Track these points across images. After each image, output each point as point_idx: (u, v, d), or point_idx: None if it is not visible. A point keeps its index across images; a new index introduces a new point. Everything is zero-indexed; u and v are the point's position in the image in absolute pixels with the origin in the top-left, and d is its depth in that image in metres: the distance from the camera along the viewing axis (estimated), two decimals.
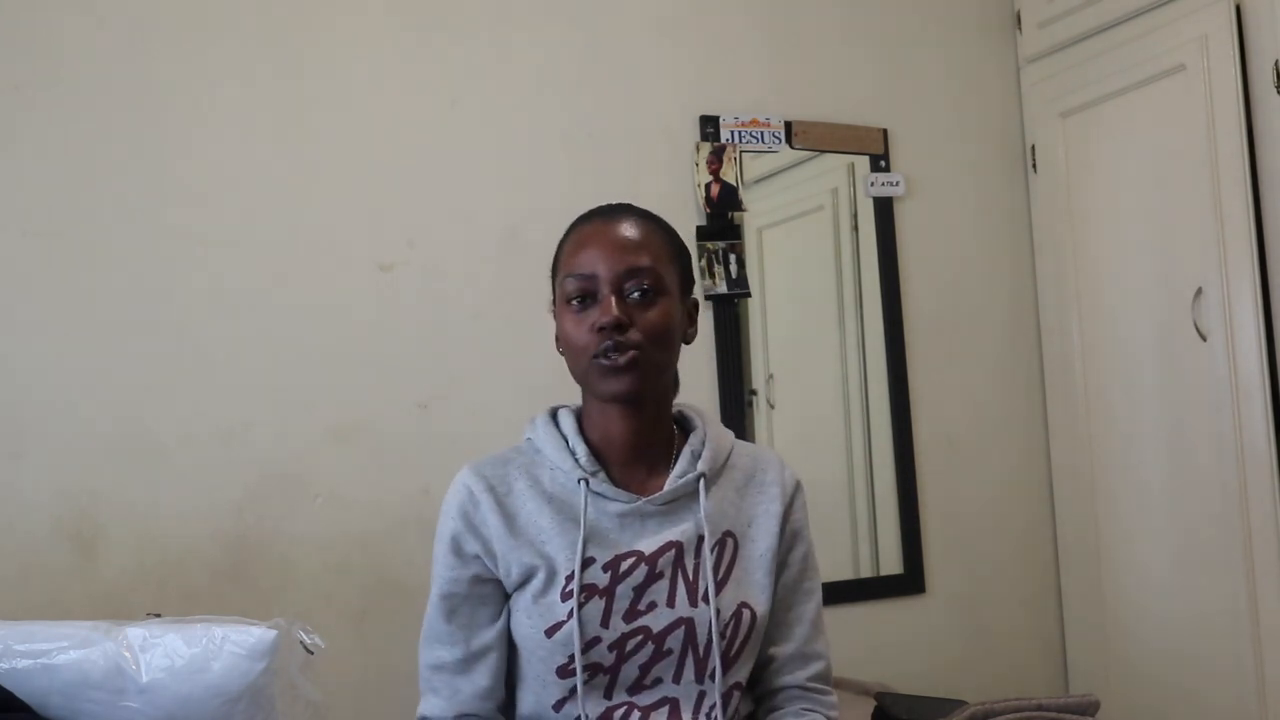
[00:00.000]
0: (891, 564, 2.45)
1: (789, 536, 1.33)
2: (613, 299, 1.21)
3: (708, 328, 2.28)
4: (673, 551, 1.25)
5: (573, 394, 1.33)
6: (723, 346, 2.30)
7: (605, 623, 1.21)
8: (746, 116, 2.36)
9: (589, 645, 1.21)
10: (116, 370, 1.85)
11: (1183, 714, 2.29)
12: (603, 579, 1.23)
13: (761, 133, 2.37)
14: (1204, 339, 2.21)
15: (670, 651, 1.23)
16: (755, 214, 2.36)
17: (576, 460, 1.27)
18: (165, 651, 1.27)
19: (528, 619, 1.23)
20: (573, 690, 1.21)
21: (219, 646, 1.28)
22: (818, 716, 1.29)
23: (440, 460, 1.77)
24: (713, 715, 1.24)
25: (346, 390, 1.99)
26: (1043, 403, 2.63)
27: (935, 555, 2.48)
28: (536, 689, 1.25)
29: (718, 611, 1.23)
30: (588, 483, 1.26)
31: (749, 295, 2.33)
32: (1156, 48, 2.30)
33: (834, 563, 2.32)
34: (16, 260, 1.82)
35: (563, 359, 1.28)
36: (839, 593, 2.22)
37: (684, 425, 1.36)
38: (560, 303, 1.27)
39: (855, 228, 2.49)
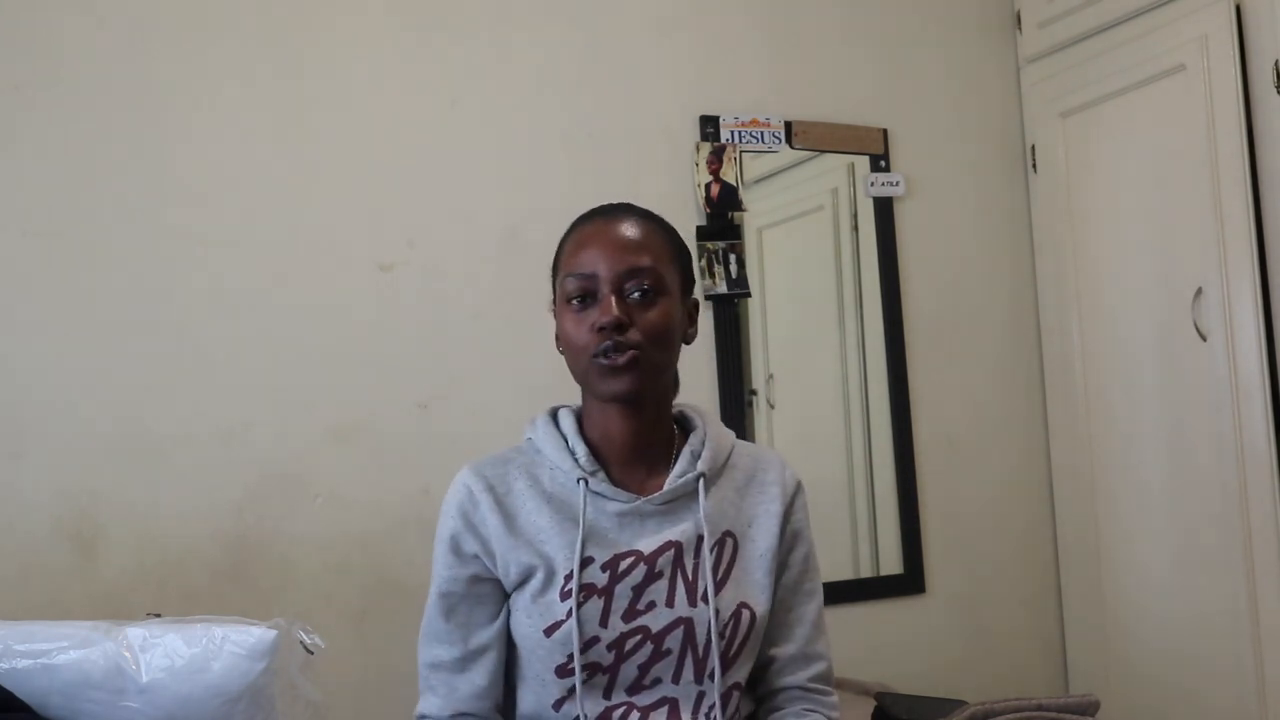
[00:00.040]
0: (891, 564, 2.45)
1: (789, 537, 1.33)
2: (613, 299, 1.21)
3: (708, 328, 2.28)
4: (672, 551, 1.25)
5: (573, 394, 1.33)
6: (723, 346, 2.30)
7: (604, 622, 1.21)
8: (746, 116, 2.36)
9: (588, 645, 1.21)
10: (116, 370, 1.85)
11: (1183, 714, 2.29)
12: (601, 578, 1.23)
13: (761, 133, 2.37)
14: (1204, 339, 2.21)
15: (669, 651, 1.23)
16: (755, 214, 2.36)
17: (576, 460, 1.28)
18: (165, 651, 1.27)
19: (527, 618, 1.24)
20: (572, 690, 1.21)
21: (219, 646, 1.28)
22: (819, 717, 1.29)
23: (440, 460, 1.77)
24: (712, 715, 1.24)
25: (346, 390, 1.99)
26: (1043, 403, 2.63)
27: (935, 555, 2.48)
28: (536, 688, 1.25)
29: (717, 611, 1.23)
30: (587, 482, 1.26)
31: (749, 295, 2.33)
32: (1156, 48, 2.30)
33: (834, 563, 2.32)
34: (16, 260, 1.82)
35: (563, 359, 1.28)
36: (839, 593, 2.22)
37: (684, 425, 1.36)
38: (560, 302, 1.27)
39: (855, 228, 2.49)
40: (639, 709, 1.23)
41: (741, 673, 1.27)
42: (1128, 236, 2.40)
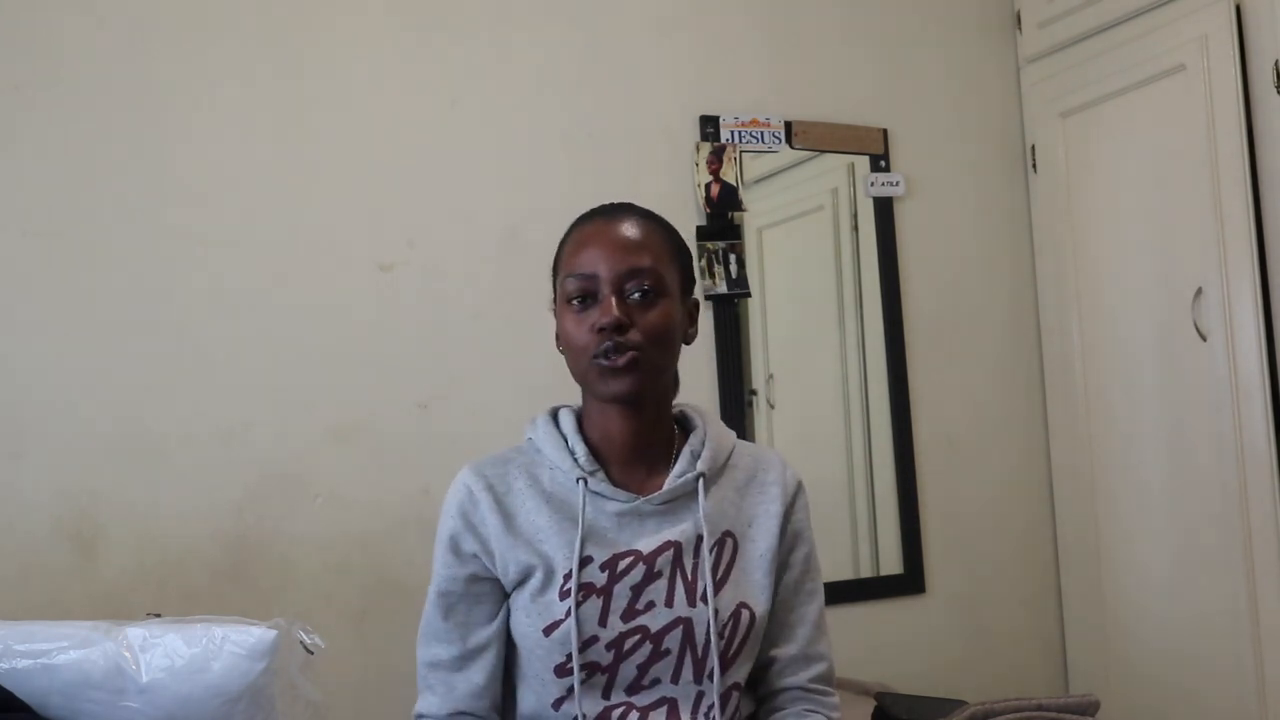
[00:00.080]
0: (891, 564, 2.45)
1: (790, 537, 1.32)
2: (613, 299, 1.21)
3: (708, 328, 2.28)
4: (671, 551, 1.24)
5: (573, 394, 1.33)
6: (723, 346, 2.30)
7: (603, 622, 1.21)
8: (746, 116, 2.36)
9: (586, 644, 1.21)
10: (116, 370, 1.85)
11: (1183, 714, 2.29)
12: (600, 578, 1.23)
13: (761, 133, 2.37)
14: (1204, 339, 2.21)
15: (668, 651, 1.23)
16: (755, 214, 2.36)
17: (575, 460, 1.28)
18: (165, 651, 1.27)
19: (526, 618, 1.24)
20: (571, 689, 1.21)
21: (219, 646, 1.28)
22: (819, 718, 1.29)
23: (440, 460, 1.77)
24: (711, 716, 1.23)
25: (346, 390, 1.99)
26: (1043, 403, 2.63)
27: (935, 555, 2.48)
28: (536, 688, 1.25)
29: (716, 611, 1.23)
30: (586, 482, 1.26)
31: (749, 295, 2.33)
32: (1156, 48, 2.30)
33: (834, 563, 2.32)
34: (16, 260, 1.82)
35: (563, 358, 1.28)
36: (839, 593, 2.22)
37: (685, 425, 1.35)
38: (561, 302, 1.27)
39: (855, 228, 2.49)
40: (638, 709, 1.23)
41: (741, 673, 1.27)
42: (1128, 236, 2.40)
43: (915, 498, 2.46)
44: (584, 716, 1.21)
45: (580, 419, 1.32)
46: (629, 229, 1.26)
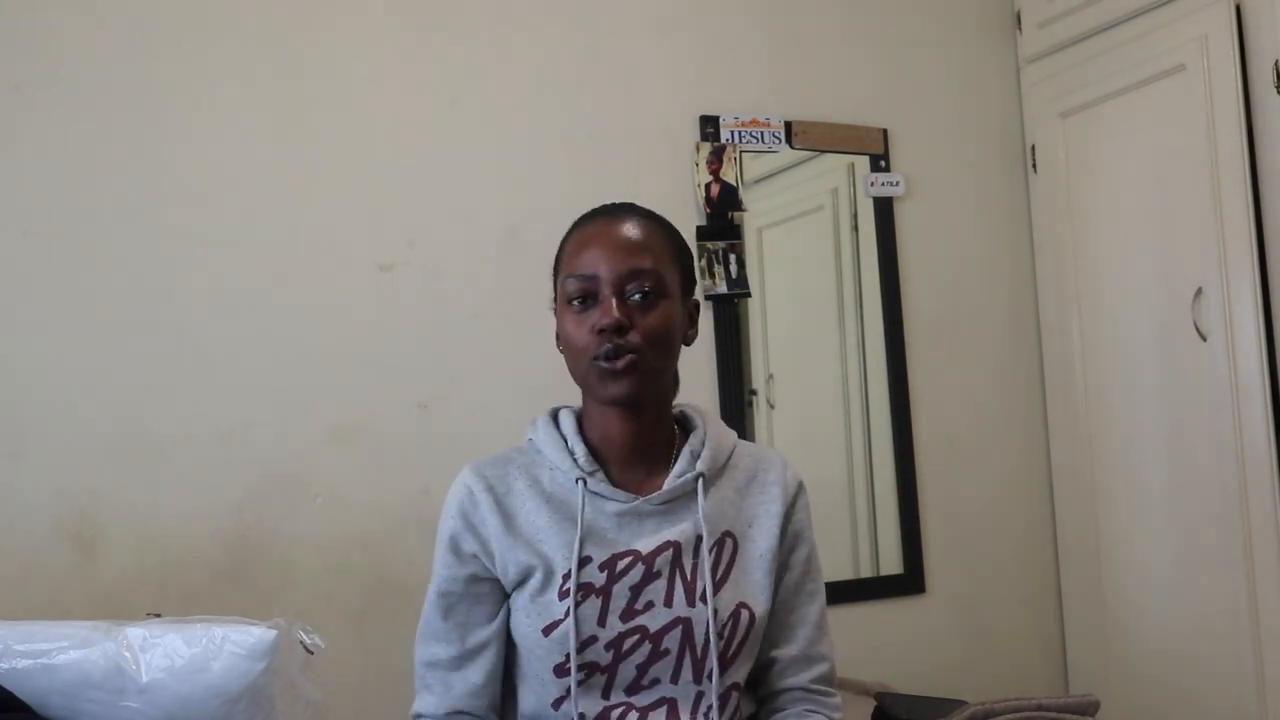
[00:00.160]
0: (891, 564, 2.45)
1: (791, 538, 1.32)
2: (613, 300, 1.21)
3: (708, 328, 2.28)
4: (670, 551, 1.24)
5: (572, 394, 1.33)
6: (723, 346, 2.30)
7: (602, 622, 1.21)
8: (746, 116, 2.36)
9: (586, 644, 1.21)
10: (116, 370, 1.85)
11: (1183, 714, 2.29)
12: (599, 578, 1.23)
13: (761, 133, 2.37)
14: (1204, 339, 2.21)
15: (667, 651, 1.22)
16: (755, 214, 2.36)
17: (575, 460, 1.28)
18: (165, 651, 1.27)
19: (526, 617, 1.24)
20: (570, 689, 1.21)
21: (219, 646, 1.28)
22: (821, 718, 1.29)
23: (440, 460, 1.77)
24: (710, 716, 1.23)
25: (346, 390, 1.99)
26: (1043, 403, 2.63)
27: (935, 555, 2.48)
28: (536, 688, 1.25)
29: (715, 611, 1.23)
30: (585, 482, 1.26)
31: (749, 295, 2.33)
32: (1156, 48, 2.30)
33: (834, 563, 2.31)
34: (16, 260, 1.82)
35: (562, 358, 1.28)
36: (839, 593, 2.22)
37: (685, 425, 1.35)
38: (561, 302, 1.26)
39: (855, 228, 2.49)
40: (637, 709, 1.23)
41: (740, 673, 1.27)
42: (1128, 236, 2.40)
43: (915, 498, 2.46)
44: (583, 716, 1.21)
45: (580, 419, 1.32)
46: (630, 230, 1.26)
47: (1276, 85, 2.07)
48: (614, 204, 1.31)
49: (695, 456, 1.30)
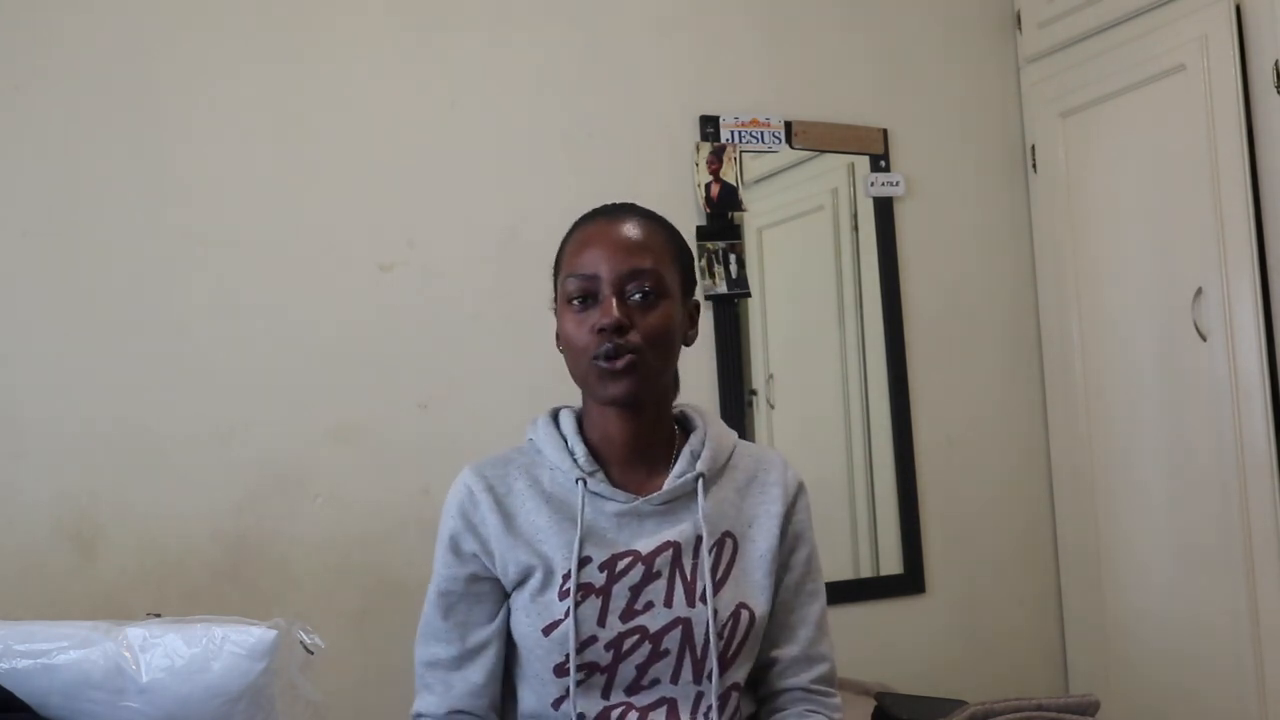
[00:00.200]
0: (891, 564, 2.45)
1: (791, 538, 1.32)
2: (614, 300, 1.21)
3: (708, 328, 2.28)
4: (670, 551, 1.25)
5: (572, 394, 1.33)
6: (723, 346, 2.30)
7: (602, 622, 1.21)
8: (746, 116, 2.36)
9: (585, 644, 1.21)
10: (116, 370, 1.85)
11: (1183, 714, 2.29)
12: (599, 578, 1.23)
13: (761, 133, 2.37)
14: (1204, 339, 2.21)
15: (667, 652, 1.22)
16: (755, 214, 2.36)
17: (575, 460, 1.28)
18: (165, 651, 1.28)
19: (526, 617, 1.24)
20: (569, 689, 1.21)
21: (219, 646, 1.28)
22: (821, 718, 1.29)
23: (440, 460, 1.77)
24: (710, 716, 1.23)
25: (346, 390, 1.99)
26: (1043, 403, 2.63)
27: (935, 555, 2.48)
28: (536, 688, 1.25)
29: (715, 612, 1.23)
30: (585, 482, 1.26)
31: (749, 295, 2.33)
32: (1156, 48, 2.29)
33: (834, 563, 2.31)
34: (16, 260, 1.82)
35: (562, 358, 1.28)
36: (839, 593, 2.22)
37: (685, 425, 1.35)
38: (561, 302, 1.27)
39: (855, 228, 2.49)
40: (637, 709, 1.23)
41: (740, 673, 1.27)
42: (1128, 236, 2.40)
43: (915, 498, 2.46)
44: (583, 716, 1.21)
45: (580, 420, 1.32)
46: (631, 230, 1.26)
47: (1276, 85, 2.07)
48: (614, 204, 1.31)
49: (695, 457, 1.30)
